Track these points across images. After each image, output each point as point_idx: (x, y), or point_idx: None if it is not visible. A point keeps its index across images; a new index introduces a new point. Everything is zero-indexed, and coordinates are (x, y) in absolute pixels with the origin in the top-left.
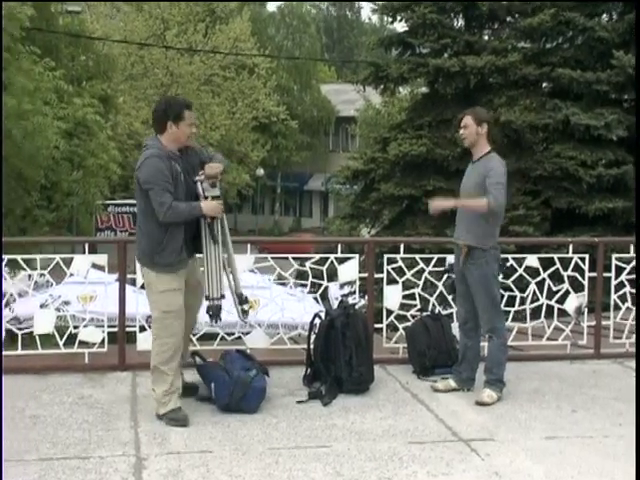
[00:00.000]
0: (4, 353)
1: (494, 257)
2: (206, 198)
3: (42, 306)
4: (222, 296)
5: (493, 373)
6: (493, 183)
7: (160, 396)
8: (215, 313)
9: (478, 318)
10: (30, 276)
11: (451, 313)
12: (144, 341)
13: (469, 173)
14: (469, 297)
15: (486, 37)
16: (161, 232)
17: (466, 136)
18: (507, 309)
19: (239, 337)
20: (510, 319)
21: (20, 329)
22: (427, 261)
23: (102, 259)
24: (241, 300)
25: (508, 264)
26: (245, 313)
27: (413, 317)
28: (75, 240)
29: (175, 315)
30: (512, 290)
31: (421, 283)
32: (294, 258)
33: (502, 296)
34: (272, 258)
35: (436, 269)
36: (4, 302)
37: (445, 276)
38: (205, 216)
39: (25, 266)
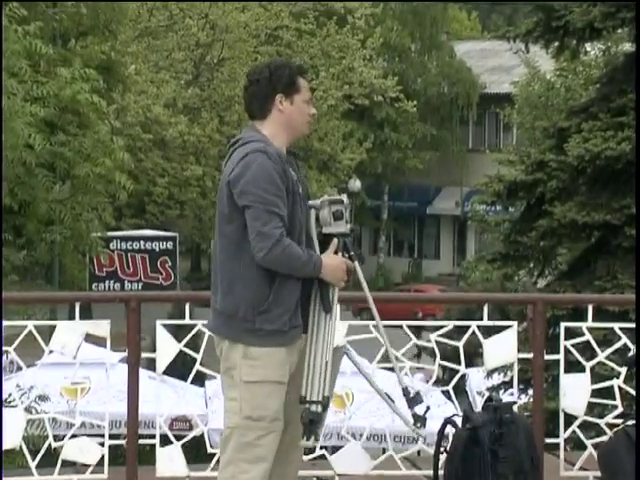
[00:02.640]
0: None
1: None
2: (324, 240)
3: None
4: (327, 399)
5: None
6: None
7: None
8: (313, 424)
9: None
10: None
11: None
12: (169, 461)
13: None
14: None
15: None
16: (267, 279)
17: None
18: None
19: (322, 455)
20: None
21: None
22: (633, 333)
23: (101, 327)
24: (409, 397)
25: None
26: (419, 421)
27: (611, 427)
28: (58, 297)
29: (266, 427)
30: None
31: (624, 371)
32: (411, 327)
33: None
34: (375, 326)
35: None
36: None
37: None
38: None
39: None
